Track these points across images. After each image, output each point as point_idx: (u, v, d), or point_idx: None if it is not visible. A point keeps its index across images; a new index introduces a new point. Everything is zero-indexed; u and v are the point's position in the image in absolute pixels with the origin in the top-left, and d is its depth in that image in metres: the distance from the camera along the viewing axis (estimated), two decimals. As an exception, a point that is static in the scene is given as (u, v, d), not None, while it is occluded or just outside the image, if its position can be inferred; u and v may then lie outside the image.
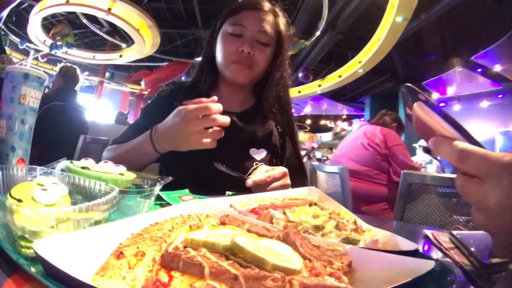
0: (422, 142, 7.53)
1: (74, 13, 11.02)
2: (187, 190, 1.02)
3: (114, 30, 12.41)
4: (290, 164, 1.55)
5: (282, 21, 1.57)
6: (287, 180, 1.28)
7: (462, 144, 0.53)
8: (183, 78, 12.48)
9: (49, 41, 10.78)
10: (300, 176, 1.58)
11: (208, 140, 1.21)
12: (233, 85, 1.60)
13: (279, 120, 1.65)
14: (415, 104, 0.60)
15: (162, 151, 1.29)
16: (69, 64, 4.33)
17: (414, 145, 7.61)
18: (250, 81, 1.57)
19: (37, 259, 0.40)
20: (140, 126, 1.54)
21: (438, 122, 0.57)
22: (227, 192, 1.14)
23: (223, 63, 1.53)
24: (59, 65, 4.29)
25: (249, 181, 1.18)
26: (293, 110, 1.72)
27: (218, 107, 1.19)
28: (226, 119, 1.19)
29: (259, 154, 1.51)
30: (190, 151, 1.32)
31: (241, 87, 1.62)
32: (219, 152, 1.40)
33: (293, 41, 8.35)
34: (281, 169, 1.27)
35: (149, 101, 1.72)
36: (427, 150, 7.53)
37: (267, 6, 1.54)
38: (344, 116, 23.73)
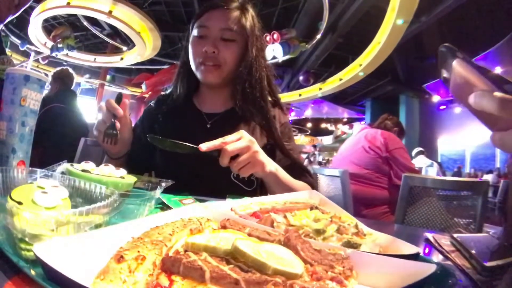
0: (415, 151, 7.72)
1: (75, 15, 11.04)
2: (187, 194, 1.02)
3: (115, 32, 12.42)
4: (283, 166, 1.51)
5: (249, 16, 1.56)
6: (255, 147, 1.23)
7: (501, 94, 0.55)
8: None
9: (50, 43, 10.79)
10: (295, 173, 1.51)
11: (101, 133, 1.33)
12: (211, 86, 1.60)
13: (254, 116, 1.57)
14: (454, 62, 0.62)
15: (112, 156, 1.48)
16: (59, 68, 4.34)
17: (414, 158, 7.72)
18: (221, 80, 1.54)
19: (37, 262, 0.40)
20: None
21: (478, 78, 0.59)
22: (227, 196, 1.14)
23: (193, 66, 1.54)
24: (51, 73, 4.31)
25: (203, 146, 1.16)
26: (277, 111, 1.66)
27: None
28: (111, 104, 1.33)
29: None
30: (179, 156, 1.36)
31: (220, 88, 1.61)
32: (205, 154, 1.42)
33: (294, 44, 8.34)
34: (237, 132, 1.23)
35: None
36: (421, 153, 7.72)
37: (232, 4, 1.54)
38: (345, 119, 23.76)
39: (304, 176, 1.55)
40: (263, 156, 1.26)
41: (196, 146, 1.16)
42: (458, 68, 0.61)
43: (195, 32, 1.53)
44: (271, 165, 1.30)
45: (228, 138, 1.19)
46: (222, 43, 1.49)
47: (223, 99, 1.63)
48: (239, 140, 1.20)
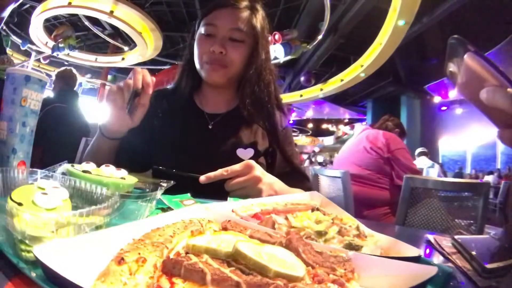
0: (417, 151, 7.63)
1: (76, 15, 11.06)
2: (188, 195, 1.02)
3: (116, 32, 12.44)
4: (282, 172, 1.49)
5: (259, 17, 1.52)
6: (254, 172, 1.21)
7: None
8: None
9: (51, 43, 10.80)
10: (295, 178, 1.50)
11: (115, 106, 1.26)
12: (214, 86, 1.57)
13: (259, 119, 1.56)
14: (467, 55, 0.60)
15: (108, 135, 1.35)
16: (63, 68, 4.34)
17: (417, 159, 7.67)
18: (226, 81, 1.52)
19: (37, 263, 0.40)
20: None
21: (490, 73, 0.57)
22: (228, 197, 1.13)
23: (198, 65, 1.51)
24: (54, 72, 4.33)
25: (202, 178, 1.16)
26: (279, 114, 1.61)
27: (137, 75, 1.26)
28: (136, 76, 1.25)
29: (246, 154, 1.48)
30: (180, 156, 1.38)
31: (224, 88, 1.58)
32: (207, 155, 1.40)
33: (295, 45, 8.34)
34: (243, 162, 1.22)
35: None
36: (423, 154, 7.64)
37: (242, 3, 1.49)
38: (346, 120, 23.82)
39: (303, 182, 1.54)
40: (262, 184, 1.23)
41: (198, 176, 1.18)
42: (469, 61, 0.59)
43: (202, 30, 1.49)
44: (269, 190, 1.24)
45: (230, 168, 1.19)
46: (230, 44, 1.46)
47: (225, 99, 1.61)
48: (243, 176, 1.19)
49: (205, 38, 1.47)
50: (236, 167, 1.19)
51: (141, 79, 1.25)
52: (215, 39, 1.45)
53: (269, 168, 1.48)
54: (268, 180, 1.25)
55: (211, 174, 1.17)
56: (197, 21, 1.57)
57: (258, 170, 1.22)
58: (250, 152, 1.47)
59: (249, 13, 1.49)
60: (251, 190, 1.20)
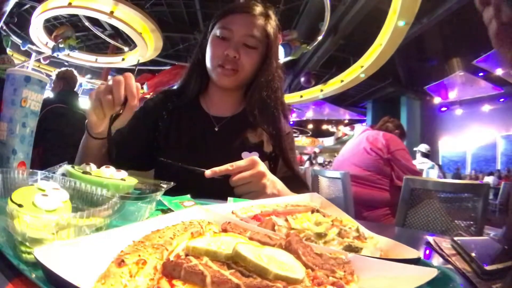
0: (421, 147, 7.53)
1: (76, 15, 11.06)
2: (188, 196, 1.02)
3: (116, 33, 12.45)
4: (282, 177, 1.46)
5: (272, 25, 1.54)
6: (259, 168, 1.21)
7: None
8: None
9: (51, 43, 10.81)
10: (295, 184, 1.48)
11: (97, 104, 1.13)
12: (222, 89, 1.57)
13: (264, 124, 1.56)
14: None
15: (94, 134, 1.26)
16: (64, 68, 4.33)
17: (414, 149, 7.60)
18: (236, 85, 1.54)
19: (38, 265, 0.40)
20: (122, 134, 1.53)
21: None
22: (229, 198, 1.13)
23: (210, 66, 1.51)
24: (54, 72, 4.32)
25: (208, 172, 1.16)
26: (284, 120, 1.64)
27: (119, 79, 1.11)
28: (118, 81, 1.10)
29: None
30: (186, 158, 1.35)
31: (231, 91, 1.60)
32: (211, 157, 1.41)
33: (295, 45, 8.35)
34: (248, 158, 1.22)
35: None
36: (425, 155, 7.54)
37: (257, 9, 1.51)
38: (346, 121, 23.81)
39: (302, 189, 1.53)
40: (267, 180, 1.23)
41: (202, 170, 1.18)
42: None
43: (217, 32, 1.49)
44: (272, 188, 1.25)
45: (235, 164, 1.19)
46: (244, 49, 1.47)
47: (232, 103, 1.63)
48: (248, 171, 1.19)
49: (220, 41, 1.48)
50: (241, 162, 1.20)
51: (122, 91, 1.10)
52: (230, 43, 1.47)
53: (271, 173, 1.48)
54: (272, 177, 1.26)
55: (217, 168, 1.17)
56: (210, 22, 1.58)
57: (262, 166, 1.23)
58: (255, 155, 1.48)
59: (264, 20, 1.51)
60: (255, 185, 1.20)
